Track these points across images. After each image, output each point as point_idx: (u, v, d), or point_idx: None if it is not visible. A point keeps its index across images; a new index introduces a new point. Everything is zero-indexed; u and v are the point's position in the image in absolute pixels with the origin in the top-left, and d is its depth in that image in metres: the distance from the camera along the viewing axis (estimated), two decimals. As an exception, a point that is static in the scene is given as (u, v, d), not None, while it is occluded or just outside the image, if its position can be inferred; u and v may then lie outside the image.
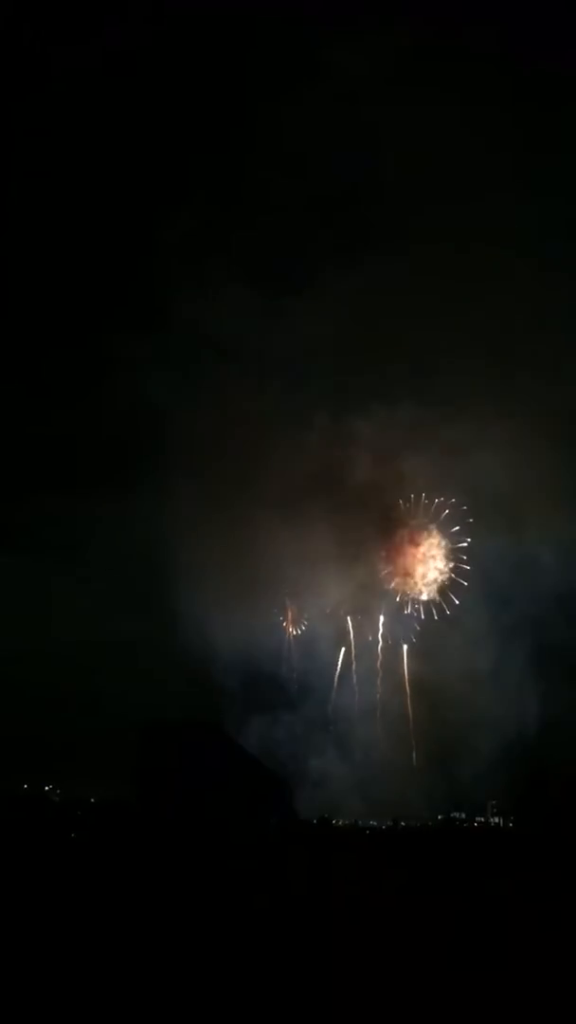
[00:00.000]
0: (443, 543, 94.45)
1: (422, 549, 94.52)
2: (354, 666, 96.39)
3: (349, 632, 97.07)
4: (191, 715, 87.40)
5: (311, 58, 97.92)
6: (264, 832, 69.60)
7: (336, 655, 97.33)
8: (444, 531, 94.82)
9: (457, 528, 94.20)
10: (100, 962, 20.80)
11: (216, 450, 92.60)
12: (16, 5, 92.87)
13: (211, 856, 47.04)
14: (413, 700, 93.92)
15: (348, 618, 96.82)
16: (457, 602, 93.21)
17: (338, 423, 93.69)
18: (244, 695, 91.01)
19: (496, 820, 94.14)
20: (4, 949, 21.85)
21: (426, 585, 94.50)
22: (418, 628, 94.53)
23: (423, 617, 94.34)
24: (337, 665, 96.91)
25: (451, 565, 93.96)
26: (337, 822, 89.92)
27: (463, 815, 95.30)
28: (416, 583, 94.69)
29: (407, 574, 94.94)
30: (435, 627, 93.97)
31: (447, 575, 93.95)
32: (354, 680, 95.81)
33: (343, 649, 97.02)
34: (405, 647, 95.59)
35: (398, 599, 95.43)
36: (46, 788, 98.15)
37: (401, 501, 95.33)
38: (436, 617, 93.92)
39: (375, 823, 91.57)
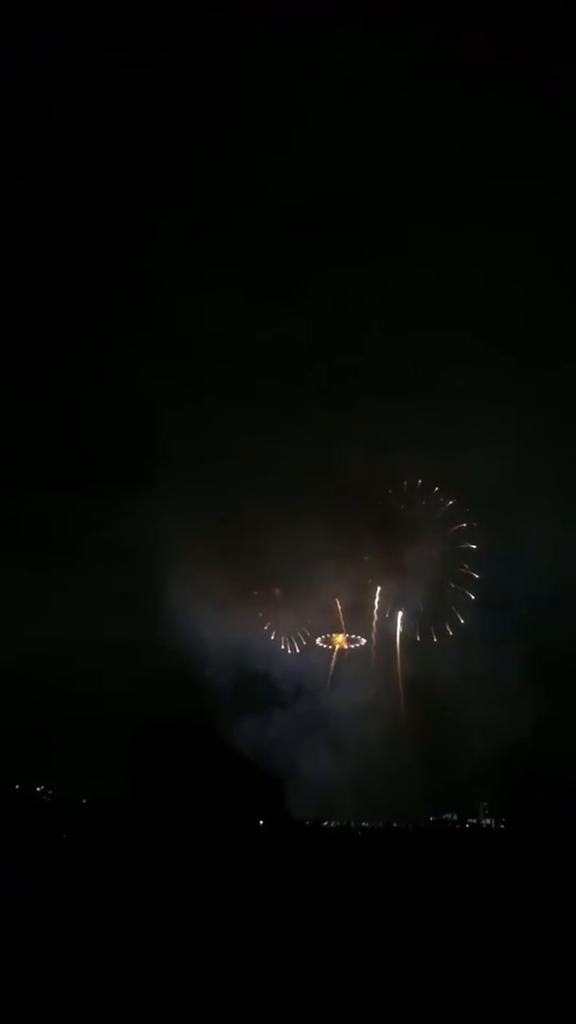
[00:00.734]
0: (439, 543, 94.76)
1: (417, 548, 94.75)
2: (347, 666, 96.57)
3: (343, 632, 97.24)
4: (183, 716, 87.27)
5: (311, 58, 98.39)
6: (255, 833, 69.47)
7: (329, 656, 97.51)
8: (440, 530, 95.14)
9: (454, 529, 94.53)
10: (98, 962, 20.70)
11: (214, 449, 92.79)
12: (18, 4, 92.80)
13: (201, 857, 46.89)
14: (406, 701, 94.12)
15: (342, 617, 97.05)
16: (452, 605, 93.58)
17: (334, 421, 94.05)
18: (236, 695, 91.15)
19: (488, 822, 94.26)
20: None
21: (420, 585, 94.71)
22: (413, 628, 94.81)
23: (417, 618, 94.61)
24: (330, 665, 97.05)
25: (447, 565, 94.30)
26: (329, 823, 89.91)
27: (455, 816, 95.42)
28: (411, 583, 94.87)
29: (402, 573, 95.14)
30: (428, 628, 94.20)
31: (443, 576, 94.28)
32: (347, 681, 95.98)
33: (336, 649, 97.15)
34: (399, 647, 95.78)
35: (392, 599, 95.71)
36: (37, 789, 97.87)
37: (397, 500, 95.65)
38: (430, 618, 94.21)
39: (367, 824, 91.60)
